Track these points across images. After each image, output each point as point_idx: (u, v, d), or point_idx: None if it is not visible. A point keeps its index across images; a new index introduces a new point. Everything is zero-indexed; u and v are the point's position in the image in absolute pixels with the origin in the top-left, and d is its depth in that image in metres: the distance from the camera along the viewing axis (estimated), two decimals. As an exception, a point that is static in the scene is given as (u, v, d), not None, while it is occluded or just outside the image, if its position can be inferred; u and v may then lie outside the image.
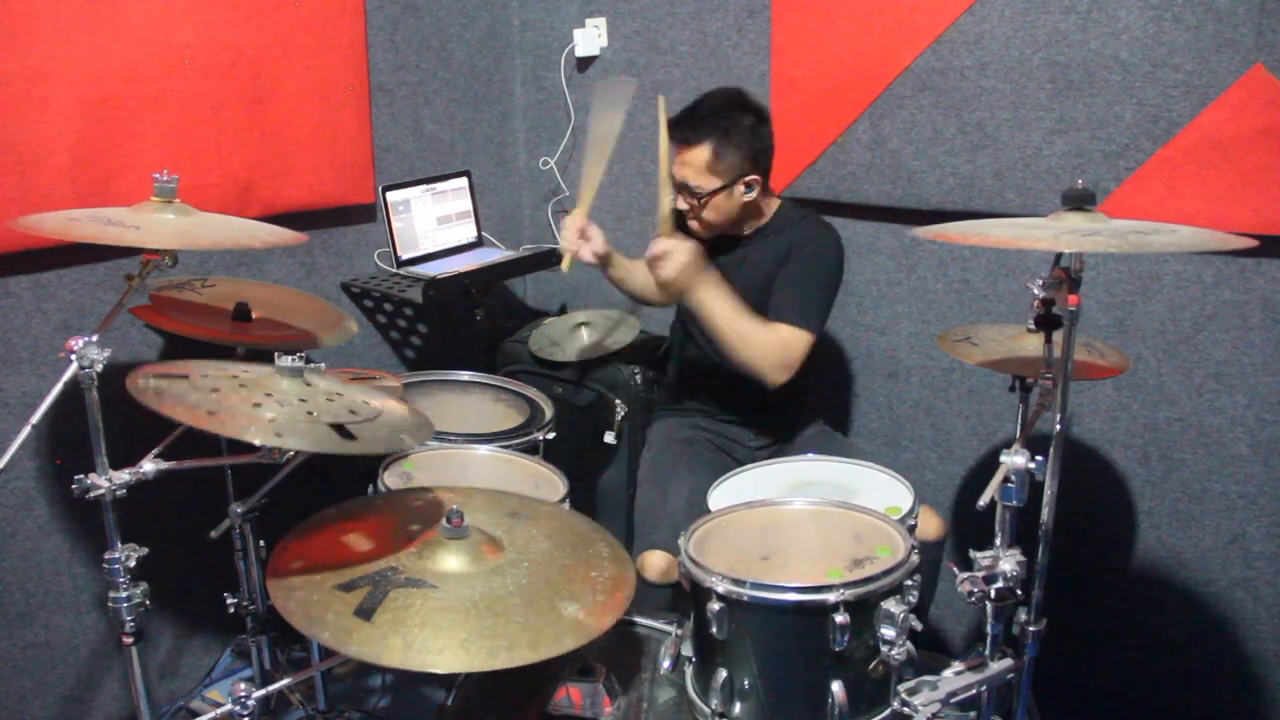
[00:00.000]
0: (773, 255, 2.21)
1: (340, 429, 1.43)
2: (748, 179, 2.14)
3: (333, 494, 2.16)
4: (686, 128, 2.12)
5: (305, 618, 1.30)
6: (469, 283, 2.57)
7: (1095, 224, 1.46)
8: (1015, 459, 1.43)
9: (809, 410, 2.40)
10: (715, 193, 2.12)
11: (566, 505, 1.96)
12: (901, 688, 1.51)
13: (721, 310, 2.01)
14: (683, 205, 2.17)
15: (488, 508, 1.61)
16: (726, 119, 2.10)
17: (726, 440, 2.35)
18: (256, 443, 1.38)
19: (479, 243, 2.84)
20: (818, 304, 2.12)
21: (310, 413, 1.44)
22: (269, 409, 1.42)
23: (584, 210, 2.16)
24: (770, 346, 2.04)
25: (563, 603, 1.38)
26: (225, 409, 1.39)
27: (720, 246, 2.26)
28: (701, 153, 2.10)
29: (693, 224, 2.21)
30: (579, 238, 2.16)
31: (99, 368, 1.47)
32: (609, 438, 2.46)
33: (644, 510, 2.18)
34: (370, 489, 2.01)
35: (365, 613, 1.29)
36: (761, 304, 2.14)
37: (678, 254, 1.96)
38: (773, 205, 2.27)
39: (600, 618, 1.37)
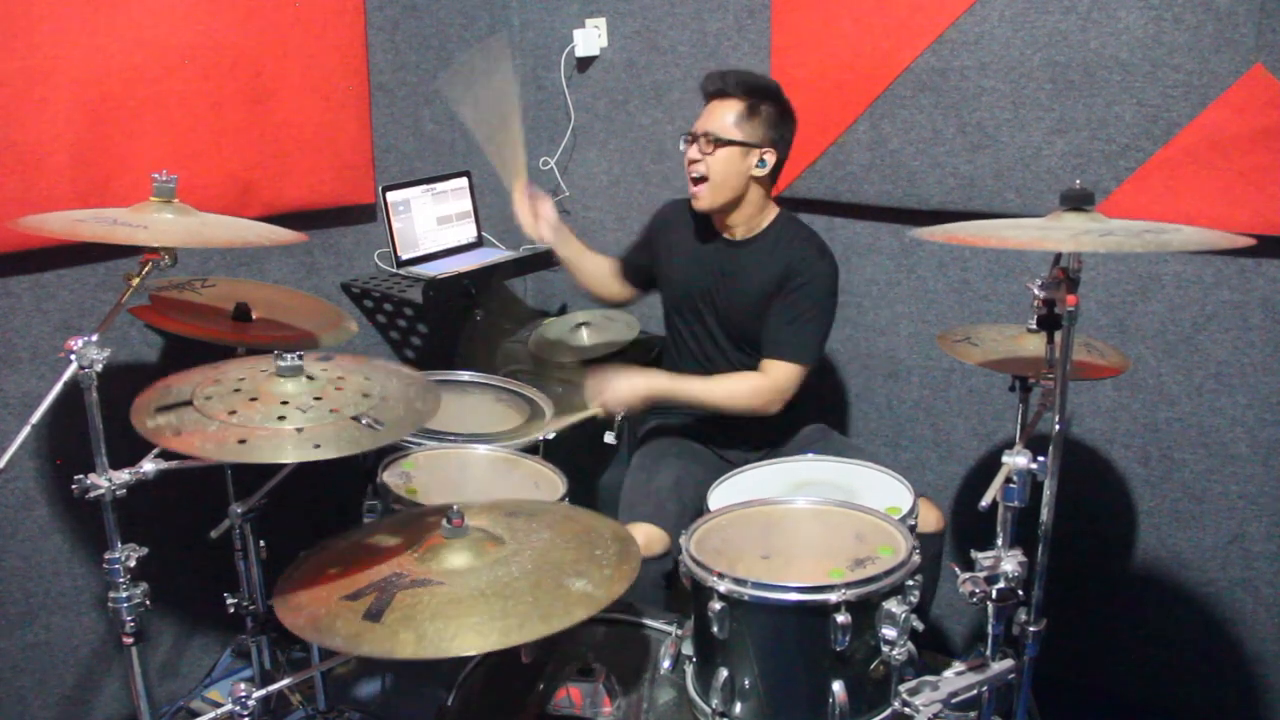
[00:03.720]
0: (770, 273, 2.17)
1: (367, 420, 1.43)
2: (764, 151, 2.15)
3: (333, 493, 2.18)
4: (727, 82, 2.16)
5: (315, 630, 1.31)
6: (469, 283, 2.57)
7: (1104, 224, 1.46)
8: (1017, 459, 1.43)
9: (805, 417, 2.38)
10: (733, 143, 2.13)
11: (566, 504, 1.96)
12: (902, 688, 1.51)
13: (692, 392, 2.17)
14: (693, 155, 2.15)
15: (484, 513, 1.61)
16: (766, 91, 2.17)
17: (719, 439, 2.35)
18: (297, 460, 1.37)
19: (479, 243, 2.84)
20: (815, 337, 2.17)
21: (332, 410, 1.44)
22: (293, 419, 1.41)
23: (522, 181, 2.22)
24: (757, 391, 2.14)
25: (570, 579, 1.38)
26: (252, 430, 1.38)
27: (715, 249, 2.26)
28: (735, 105, 2.14)
29: (697, 189, 2.17)
30: (532, 215, 2.23)
31: (99, 368, 1.46)
32: (609, 438, 2.46)
33: (629, 490, 2.20)
34: (369, 488, 2.01)
35: (374, 615, 1.30)
36: (754, 318, 2.20)
37: (612, 382, 2.13)
38: (770, 214, 2.25)
39: (610, 588, 1.38)
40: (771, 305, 2.17)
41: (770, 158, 2.17)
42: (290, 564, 1.50)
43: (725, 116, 2.14)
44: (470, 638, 1.26)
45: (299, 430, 1.39)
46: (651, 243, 2.38)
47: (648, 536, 1.99)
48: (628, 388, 2.16)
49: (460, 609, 1.31)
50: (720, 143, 2.12)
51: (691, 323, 2.32)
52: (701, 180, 2.16)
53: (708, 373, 2.27)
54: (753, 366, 2.22)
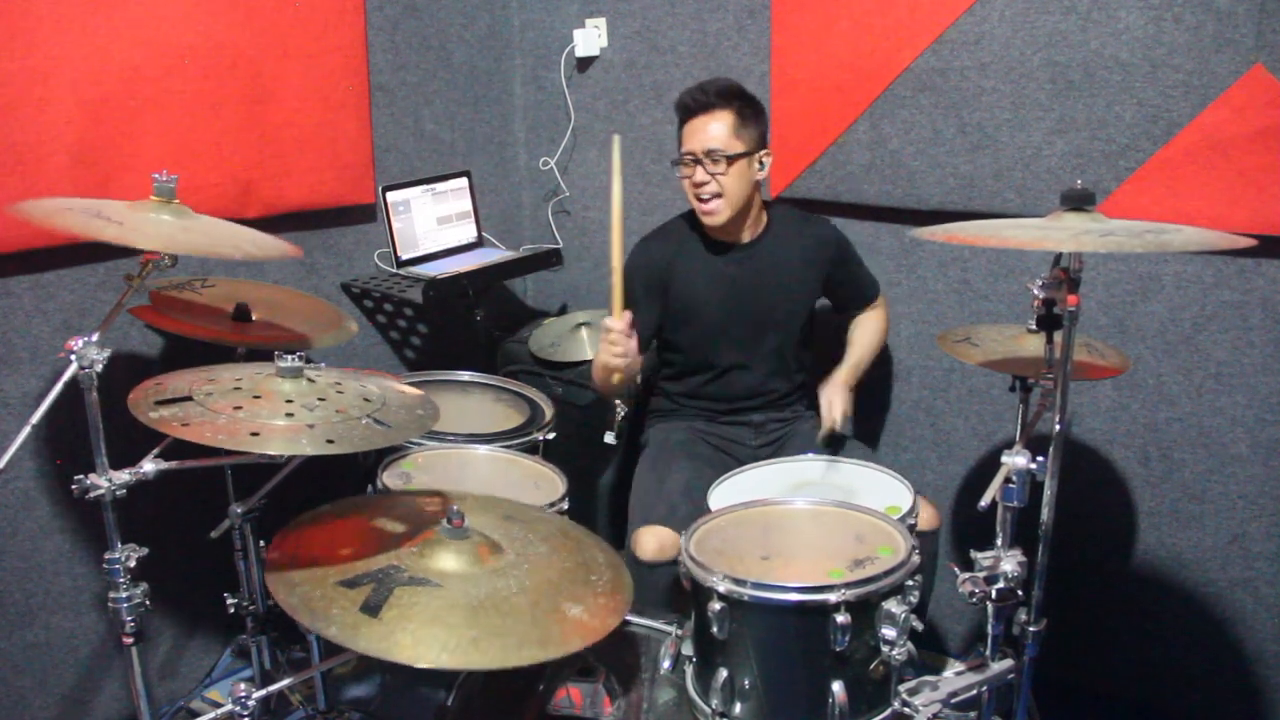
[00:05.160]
0: (798, 256, 2.28)
1: (376, 419, 1.43)
2: (761, 155, 2.20)
3: (332, 494, 2.16)
4: (709, 95, 2.15)
5: (309, 613, 1.30)
6: (469, 283, 2.57)
7: (1104, 224, 1.46)
8: (1017, 459, 1.43)
9: (805, 401, 2.41)
10: (741, 157, 2.14)
11: (565, 505, 1.96)
12: (902, 688, 1.52)
13: (865, 361, 2.32)
14: (701, 178, 2.14)
15: (482, 510, 1.61)
16: (739, 95, 2.17)
17: (726, 441, 2.35)
18: (312, 453, 1.38)
19: (479, 243, 2.84)
20: (870, 272, 2.44)
21: (338, 411, 1.44)
22: (301, 417, 1.42)
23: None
24: (884, 318, 2.43)
25: (566, 604, 1.38)
26: (264, 424, 1.39)
27: (736, 261, 2.27)
28: (726, 117, 2.14)
29: (711, 205, 2.16)
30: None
31: (99, 368, 1.46)
32: (609, 438, 2.45)
33: (640, 493, 2.19)
34: (369, 489, 2.01)
35: (372, 609, 1.29)
36: (800, 302, 2.31)
37: (838, 402, 2.16)
38: (764, 207, 2.29)
39: (604, 619, 1.38)
40: (825, 277, 2.33)
41: (768, 159, 2.22)
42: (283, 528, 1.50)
43: (720, 130, 2.13)
44: (469, 652, 1.26)
45: (311, 427, 1.40)
46: (653, 291, 2.27)
47: (661, 540, 1.98)
48: (845, 396, 2.20)
49: (459, 617, 1.30)
50: (731, 159, 2.12)
51: (724, 343, 2.30)
52: (715, 197, 2.16)
53: (713, 376, 2.31)
54: (786, 361, 2.33)
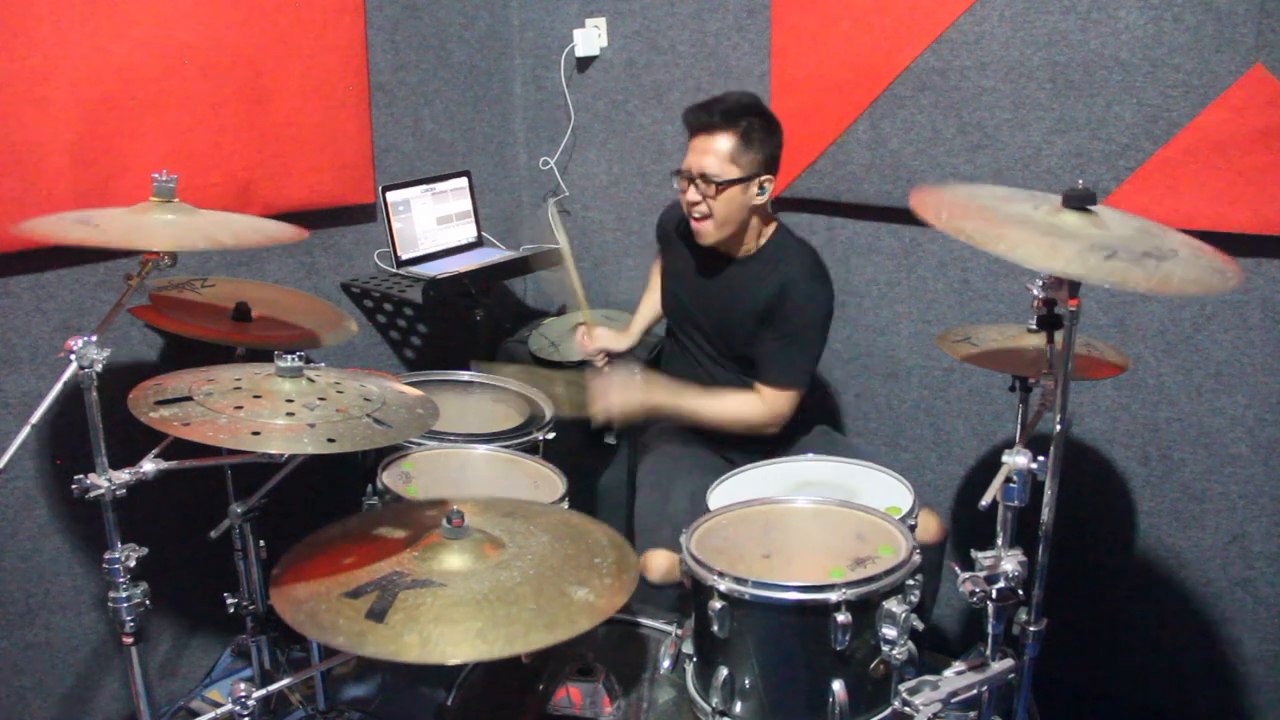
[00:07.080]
0: (763, 293, 2.15)
1: (376, 419, 1.43)
2: (763, 179, 2.10)
3: (332, 493, 2.17)
4: (713, 114, 2.07)
5: (317, 627, 1.30)
6: (469, 283, 2.57)
7: (1105, 231, 1.42)
8: (1017, 459, 1.43)
9: (811, 421, 2.37)
10: (733, 184, 2.06)
11: (565, 505, 1.96)
12: (902, 687, 1.51)
13: (691, 408, 2.18)
14: (693, 197, 2.09)
15: (482, 512, 1.61)
16: (749, 115, 2.08)
17: (725, 447, 2.34)
18: (314, 452, 1.38)
19: (479, 243, 2.84)
20: (806, 364, 2.18)
21: (338, 410, 1.44)
22: (302, 415, 1.42)
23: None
24: (754, 414, 2.17)
25: (571, 587, 1.38)
26: (265, 423, 1.39)
27: (711, 266, 2.24)
28: (726, 140, 2.06)
29: (701, 225, 2.12)
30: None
31: (99, 368, 1.46)
32: (609, 438, 2.46)
33: (645, 512, 2.18)
34: (369, 488, 2.01)
35: (377, 615, 1.29)
36: (745, 335, 2.20)
37: (611, 391, 2.16)
38: (768, 230, 2.21)
39: (610, 598, 1.38)
40: (764, 328, 2.16)
41: (769, 184, 2.12)
42: (285, 554, 1.49)
43: (719, 152, 2.05)
44: (475, 644, 1.26)
45: (312, 426, 1.40)
46: (661, 253, 2.42)
47: (671, 563, 1.96)
48: (628, 399, 2.18)
49: (464, 613, 1.30)
50: (721, 185, 2.06)
51: (690, 333, 2.32)
52: (705, 218, 2.11)
53: (702, 384, 2.26)
54: (743, 383, 2.22)
